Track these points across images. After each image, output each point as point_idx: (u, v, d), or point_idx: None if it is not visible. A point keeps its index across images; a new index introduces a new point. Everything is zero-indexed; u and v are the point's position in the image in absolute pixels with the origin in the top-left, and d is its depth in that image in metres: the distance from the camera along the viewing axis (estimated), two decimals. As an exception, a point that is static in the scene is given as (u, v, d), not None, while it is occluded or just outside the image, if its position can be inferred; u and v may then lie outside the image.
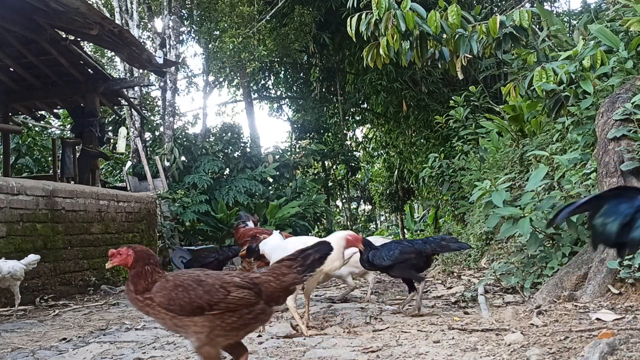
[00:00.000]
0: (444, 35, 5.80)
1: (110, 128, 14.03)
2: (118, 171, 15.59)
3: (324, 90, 18.86)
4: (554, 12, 13.74)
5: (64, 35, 8.53)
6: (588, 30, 5.43)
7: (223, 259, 6.61)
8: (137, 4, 13.83)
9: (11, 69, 9.40)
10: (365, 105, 18.38)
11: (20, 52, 8.71)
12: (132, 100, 12.13)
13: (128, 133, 13.23)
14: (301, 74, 19.35)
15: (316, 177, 18.86)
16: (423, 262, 4.22)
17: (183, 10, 14.89)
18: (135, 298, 2.26)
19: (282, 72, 19.72)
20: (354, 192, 24.33)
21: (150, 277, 2.27)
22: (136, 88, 12.82)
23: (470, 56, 6.07)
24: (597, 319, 2.98)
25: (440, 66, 9.32)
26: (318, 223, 15.63)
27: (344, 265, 3.85)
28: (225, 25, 13.05)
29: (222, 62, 13.33)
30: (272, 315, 2.41)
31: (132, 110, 12.52)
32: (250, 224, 5.40)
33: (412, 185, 18.54)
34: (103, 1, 15.90)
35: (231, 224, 11.45)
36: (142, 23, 15.28)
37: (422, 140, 14.94)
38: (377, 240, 4.77)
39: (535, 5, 7.21)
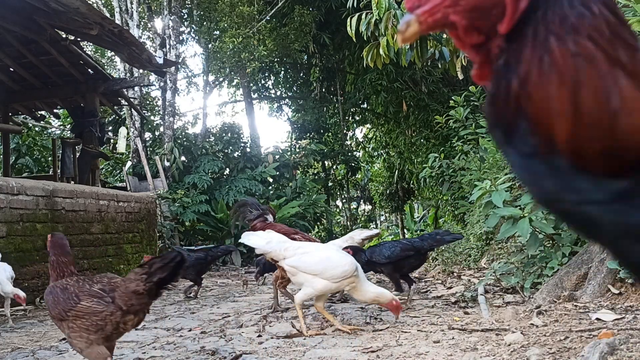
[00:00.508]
0: (444, 35, 5.80)
1: (110, 128, 14.04)
2: (118, 171, 15.59)
3: (324, 90, 18.86)
4: (554, 12, 13.73)
5: (64, 35, 8.53)
6: (588, 30, 5.42)
7: (210, 260, 6.32)
8: (137, 4, 13.83)
9: (11, 69, 9.40)
10: (365, 105, 18.37)
11: (20, 52, 8.71)
12: (132, 100, 12.12)
13: (128, 133, 13.23)
14: (301, 74, 19.35)
15: (316, 177, 18.86)
16: (420, 260, 4.37)
17: (183, 10, 14.89)
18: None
19: (282, 72, 19.72)
20: (354, 192, 24.32)
21: (58, 268, 2.52)
22: (136, 88, 12.82)
23: (470, 56, 6.06)
24: (597, 319, 2.98)
25: (440, 66, 9.33)
26: (318, 223, 15.64)
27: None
28: (225, 25, 13.05)
29: (222, 62, 13.33)
30: (133, 323, 2.43)
31: (132, 110, 12.52)
32: (270, 218, 4.68)
33: (412, 185, 18.55)
34: (103, 1, 15.90)
35: (231, 224, 11.45)
36: (142, 23, 15.28)
37: (422, 140, 14.94)
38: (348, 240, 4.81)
39: (535, 5, 7.20)
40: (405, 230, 21.82)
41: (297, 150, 16.66)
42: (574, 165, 0.66)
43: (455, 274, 6.15)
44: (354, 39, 5.90)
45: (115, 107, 12.18)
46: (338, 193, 22.54)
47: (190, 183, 12.00)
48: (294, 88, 20.22)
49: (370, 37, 5.74)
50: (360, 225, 23.23)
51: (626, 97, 0.64)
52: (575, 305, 3.31)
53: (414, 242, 4.34)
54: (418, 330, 3.34)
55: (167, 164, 12.10)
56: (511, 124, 0.70)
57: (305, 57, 17.79)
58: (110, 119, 14.26)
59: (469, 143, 8.48)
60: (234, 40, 12.52)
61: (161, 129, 13.62)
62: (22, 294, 4.27)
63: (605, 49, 0.66)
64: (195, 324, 4.05)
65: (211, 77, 16.02)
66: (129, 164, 13.60)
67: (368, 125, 20.70)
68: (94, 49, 16.39)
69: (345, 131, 20.33)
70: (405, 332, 3.33)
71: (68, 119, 14.68)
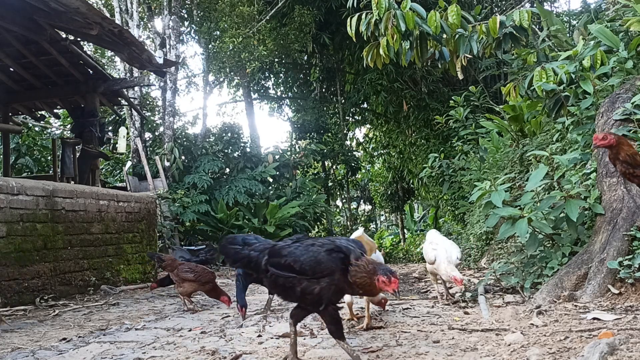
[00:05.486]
0: (444, 35, 5.80)
1: (110, 128, 14.04)
2: (118, 171, 15.59)
3: (324, 90, 18.86)
4: (554, 12, 13.75)
5: (64, 35, 8.53)
6: (588, 30, 5.43)
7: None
8: (137, 4, 13.84)
9: (11, 69, 9.40)
10: (365, 105, 18.38)
11: (20, 52, 8.71)
12: (132, 100, 12.12)
13: (128, 133, 13.24)
14: (301, 74, 19.35)
15: (316, 177, 18.86)
16: None
17: (183, 10, 14.89)
18: None
19: (282, 72, 19.73)
20: (354, 192, 24.32)
21: None
22: (136, 88, 12.82)
23: (470, 56, 6.07)
24: (597, 319, 2.98)
25: (440, 66, 9.33)
26: (318, 223, 15.64)
27: None
28: (226, 25, 13.06)
29: (222, 62, 13.33)
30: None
31: (132, 110, 12.51)
32: None
33: (412, 185, 18.56)
34: (103, 1, 15.91)
35: (231, 223, 11.43)
36: (142, 23, 15.28)
37: (422, 140, 14.95)
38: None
39: (535, 5, 7.21)
40: (405, 230, 21.83)
41: (297, 150, 16.65)
42: None
43: (455, 274, 6.14)
44: (354, 39, 5.90)
45: (115, 107, 12.17)
46: (338, 193, 22.53)
47: (190, 183, 12.00)
48: (294, 88, 20.21)
49: (370, 37, 5.74)
50: (360, 225, 23.22)
51: None
52: (575, 305, 3.31)
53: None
54: (418, 330, 3.34)
55: (167, 164, 12.10)
56: None
57: (305, 57, 17.79)
58: (110, 119, 14.26)
59: (469, 143, 8.49)
60: (234, 40, 12.52)
61: (161, 129, 13.62)
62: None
63: None
64: (195, 324, 4.05)
65: (211, 77, 16.02)
66: (129, 164, 13.60)
67: (368, 125, 20.70)
68: (94, 49, 16.38)
69: (345, 131, 20.34)
70: (405, 332, 3.33)
71: (68, 119, 14.69)
